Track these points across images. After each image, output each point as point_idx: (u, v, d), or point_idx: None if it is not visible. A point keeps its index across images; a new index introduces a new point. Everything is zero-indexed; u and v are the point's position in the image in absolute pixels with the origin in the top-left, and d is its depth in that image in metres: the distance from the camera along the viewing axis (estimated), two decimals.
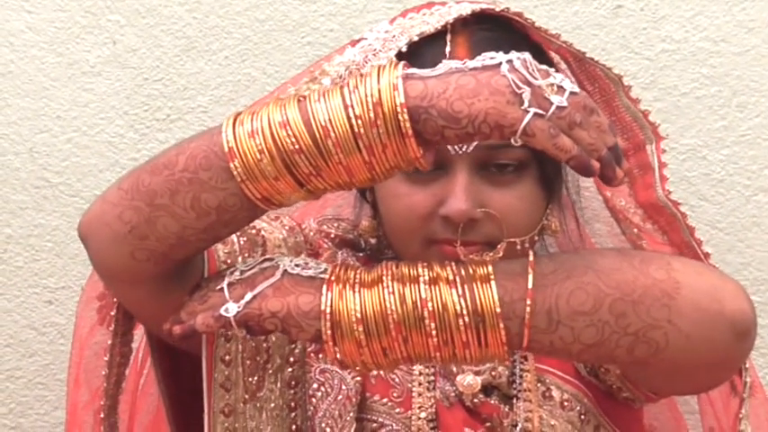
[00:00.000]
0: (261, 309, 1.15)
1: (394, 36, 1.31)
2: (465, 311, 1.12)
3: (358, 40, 1.33)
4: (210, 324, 1.16)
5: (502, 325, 1.13)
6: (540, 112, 1.09)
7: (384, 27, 1.33)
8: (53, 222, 1.77)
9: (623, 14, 1.74)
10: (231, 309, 1.16)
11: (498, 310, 1.12)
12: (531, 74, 1.10)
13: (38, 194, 1.76)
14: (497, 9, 1.33)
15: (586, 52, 1.36)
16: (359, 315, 1.13)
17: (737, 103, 1.74)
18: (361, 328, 1.13)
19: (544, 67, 1.12)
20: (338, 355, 1.15)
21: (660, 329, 1.14)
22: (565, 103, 1.10)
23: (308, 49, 1.74)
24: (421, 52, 1.29)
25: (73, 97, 1.76)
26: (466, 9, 1.31)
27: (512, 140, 1.10)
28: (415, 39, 1.30)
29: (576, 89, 1.11)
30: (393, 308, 1.13)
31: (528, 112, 1.09)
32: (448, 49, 1.30)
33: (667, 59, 1.74)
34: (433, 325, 1.13)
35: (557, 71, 1.32)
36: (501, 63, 1.11)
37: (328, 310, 1.14)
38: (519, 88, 1.09)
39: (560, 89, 1.10)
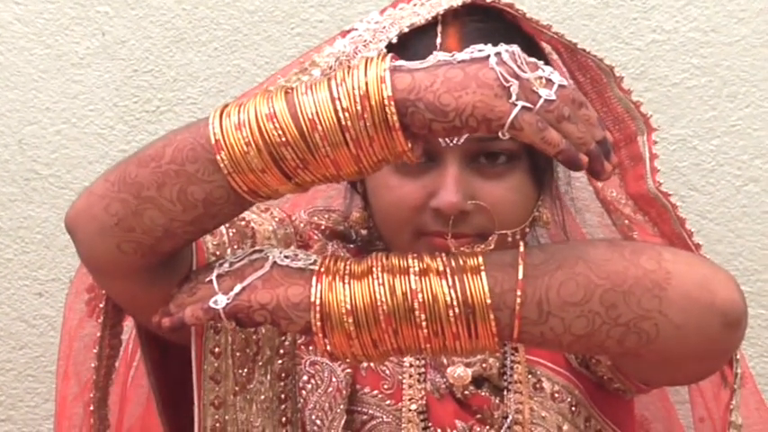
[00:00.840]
0: (250, 301, 1.15)
1: (384, 27, 1.31)
2: (455, 302, 1.12)
3: (348, 31, 1.33)
4: (200, 316, 1.16)
5: (492, 316, 1.12)
6: (528, 105, 1.08)
7: (374, 18, 1.33)
8: (42, 214, 1.77)
9: (613, 4, 1.74)
10: (220, 301, 1.15)
11: (489, 301, 1.12)
12: (519, 67, 1.09)
13: (27, 186, 1.77)
14: (488, 0, 1.32)
15: (578, 43, 1.36)
16: (349, 307, 1.13)
17: (728, 94, 1.75)
18: (351, 320, 1.13)
19: (533, 59, 1.11)
20: (328, 347, 1.15)
21: (651, 320, 1.14)
22: (553, 97, 1.09)
23: (297, 40, 1.75)
24: (412, 43, 1.29)
25: (62, 89, 1.76)
26: (457, 0, 1.30)
27: (499, 134, 1.09)
28: (406, 30, 1.29)
29: (565, 82, 1.11)
30: (383, 299, 1.13)
31: (516, 105, 1.08)
32: (439, 40, 1.29)
33: (657, 50, 1.74)
34: (423, 316, 1.12)
35: (548, 62, 1.32)
36: (489, 56, 1.10)
37: (318, 302, 1.13)
38: (507, 81, 1.09)
39: (549, 82, 1.10)
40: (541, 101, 1.09)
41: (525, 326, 1.13)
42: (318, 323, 1.14)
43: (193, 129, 1.15)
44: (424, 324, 1.12)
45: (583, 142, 1.11)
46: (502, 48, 1.10)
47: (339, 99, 1.10)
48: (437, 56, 1.12)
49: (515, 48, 1.11)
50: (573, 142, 1.10)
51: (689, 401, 1.54)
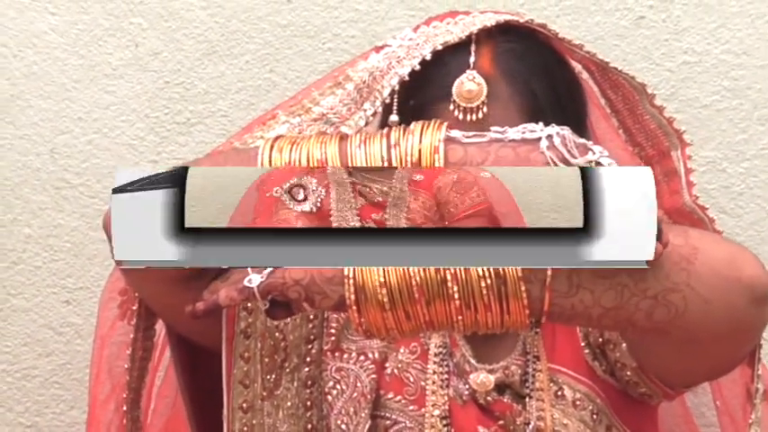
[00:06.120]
0: (284, 278, 1.17)
1: (418, 44, 1.35)
2: (487, 274, 1.14)
3: (382, 47, 1.37)
4: (234, 297, 1.18)
5: (523, 288, 1.15)
6: None
7: (408, 35, 1.37)
8: (72, 223, 1.81)
9: (645, 25, 1.77)
10: (254, 279, 1.17)
11: (519, 273, 1.15)
12: (569, 151, 1.14)
13: (58, 195, 1.81)
14: (521, 20, 1.38)
15: (610, 62, 1.40)
16: (382, 279, 1.15)
17: (758, 117, 1.78)
18: (384, 291, 1.15)
19: (582, 141, 1.16)
20: (362, 322, 1.18)
21: (679, 293, 1.17)
22: None
23: (328, 55, 1.79)
24: (445, 61, 1.34)
25: (94, 99, 1.80)
26: (490, 20, 1.36)
27: None
28: (439, 47, 1.34)
29: (614, 164, 1.14)
30: (416, 270, 1.15)
31: None
32: (472, 59, 1.34)
33: (689, 71, 1.77)
34: (455, 288, 1.15)
35: (578, 82, 1.37)
36: (541, 138, 1.14)
37: (351, 275, 1.16)
38: (556, 166, 1.13)
39: (598, 165, 1.13)
40: None
41: (555, 298, 1.16)
42: (353, 296, 1.16)
43: (243, 157, 1.20)
44: (456, 296, 1.15)
45: None
46: (553, 130, 1.15)
47: (390, 161, 1.16)
48: (488, 132, 1.17)
49: (566, 131, 1.16)
50: None
51: (715, 425, 1.56)
